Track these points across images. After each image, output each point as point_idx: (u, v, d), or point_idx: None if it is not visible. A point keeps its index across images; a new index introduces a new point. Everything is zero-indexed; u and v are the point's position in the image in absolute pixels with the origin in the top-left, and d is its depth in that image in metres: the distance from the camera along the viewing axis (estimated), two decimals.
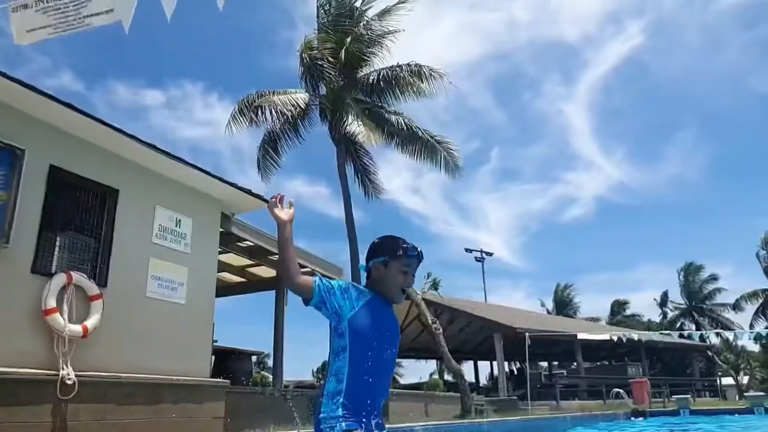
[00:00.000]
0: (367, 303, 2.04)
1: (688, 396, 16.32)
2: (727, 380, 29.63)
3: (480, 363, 34.19)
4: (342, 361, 1.97)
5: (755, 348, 31.70)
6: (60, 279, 6.19)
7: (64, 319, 6.07)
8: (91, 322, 6.37)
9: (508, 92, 76.22)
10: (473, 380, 32.41)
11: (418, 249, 2.15)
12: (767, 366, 28.24)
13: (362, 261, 2.24)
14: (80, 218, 6.82)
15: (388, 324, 2.08)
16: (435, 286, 16.30)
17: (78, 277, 6.40)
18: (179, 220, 8.03)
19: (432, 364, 41.81)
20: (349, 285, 2.05)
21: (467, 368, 33.81)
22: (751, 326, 35.87)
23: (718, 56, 61.75)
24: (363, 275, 2.22)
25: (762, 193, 63.19)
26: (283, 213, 2.08)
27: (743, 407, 14.56)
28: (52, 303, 6.01)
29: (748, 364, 30.86)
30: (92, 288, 6.53)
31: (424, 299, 15.15)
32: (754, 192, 66.01)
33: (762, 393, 17.74)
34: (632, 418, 13.60)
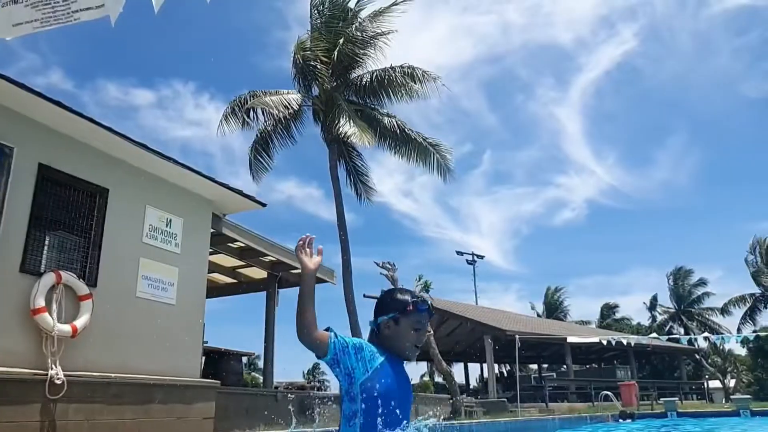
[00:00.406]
0: (381, 365, 1.94)
1: (676, 398, 16.42)
2: (714, 383, 29.92)
3: (470, 365, 34.29)
4: (353, 428, 1.89)
5: (742, 351, 32.04)
6: (49, 278, 6.15)
7: (53, 318, 6.03)
8: (80, 322, 6.34)
9: (500, 95, 76.65)
10: (463, 382, 32.49)
11: (429, 302, 2.07)
12: (754, 369, 28.53)
13: (364, 308, 2.16)
14: (70, 217, 6.77)
15: (401, 386, 1.99)
16: (426, 288, 16.35)
17: (67, 276, 6.36)
18: (170, 220, 8.00)
19: (422, 366, 41.88)
20: (362, 344, 1.96)
21: (457, 370, 33.95)
22: (739, 330, 36.29)
23: (709, 62, 62.42)
24: (366, 329, 2.16)
25: (751, 198, 64.03)
26: (311, 262, 1.95)
27: (729, 410, 14.70)
28: (40, 302, 5.98)
29: (735, 367, 31.18)
30: (82, 288, 6.50)
31: None
32: (744, 197, 66.83)
33: (748, 396, 17.91)
34: (620, 420, 13.68)
